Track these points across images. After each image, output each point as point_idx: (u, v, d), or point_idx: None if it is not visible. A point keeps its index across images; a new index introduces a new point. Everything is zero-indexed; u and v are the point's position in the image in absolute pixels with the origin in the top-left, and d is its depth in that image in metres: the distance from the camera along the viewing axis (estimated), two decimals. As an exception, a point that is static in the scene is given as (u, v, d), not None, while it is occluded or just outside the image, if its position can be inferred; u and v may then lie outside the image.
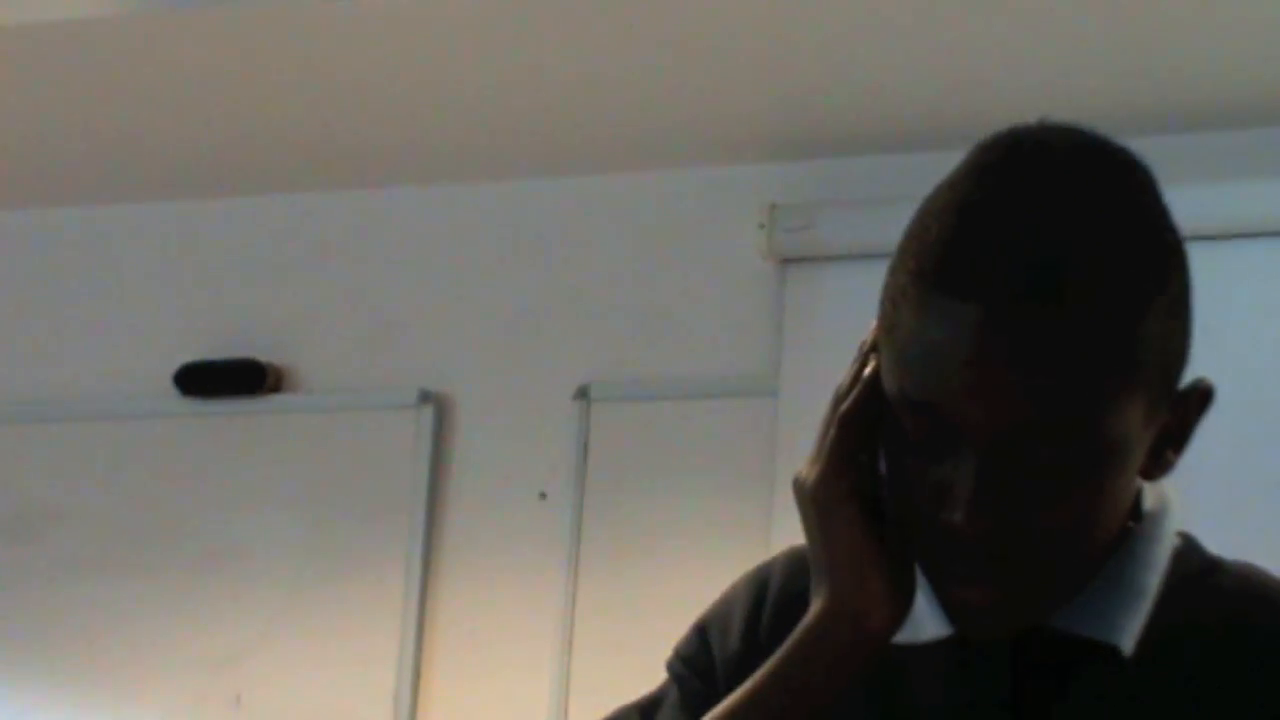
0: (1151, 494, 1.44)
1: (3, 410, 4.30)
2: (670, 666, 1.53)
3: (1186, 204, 3.89)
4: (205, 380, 4.17)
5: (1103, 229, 1.28)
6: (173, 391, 4.19)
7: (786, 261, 3.74)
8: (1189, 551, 1.46)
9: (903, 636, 1.37)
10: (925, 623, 1.39)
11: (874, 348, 1.35)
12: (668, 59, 3.57)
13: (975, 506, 1.27)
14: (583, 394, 3.90)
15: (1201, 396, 1.38)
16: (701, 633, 1.52)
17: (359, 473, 4.04)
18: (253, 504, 4.09)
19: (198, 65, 3.71)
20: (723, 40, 3.48)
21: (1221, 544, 3.63)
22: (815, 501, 1.35)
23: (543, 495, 3.91)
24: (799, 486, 1.37)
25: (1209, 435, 3.56)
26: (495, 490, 3.96)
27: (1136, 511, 1.42)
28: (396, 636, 3.90)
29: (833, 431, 1.36)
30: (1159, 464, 1.36)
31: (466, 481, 4.00)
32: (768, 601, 1.49)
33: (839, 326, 3.65)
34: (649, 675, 1.56)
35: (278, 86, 3.78)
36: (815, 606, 1.36)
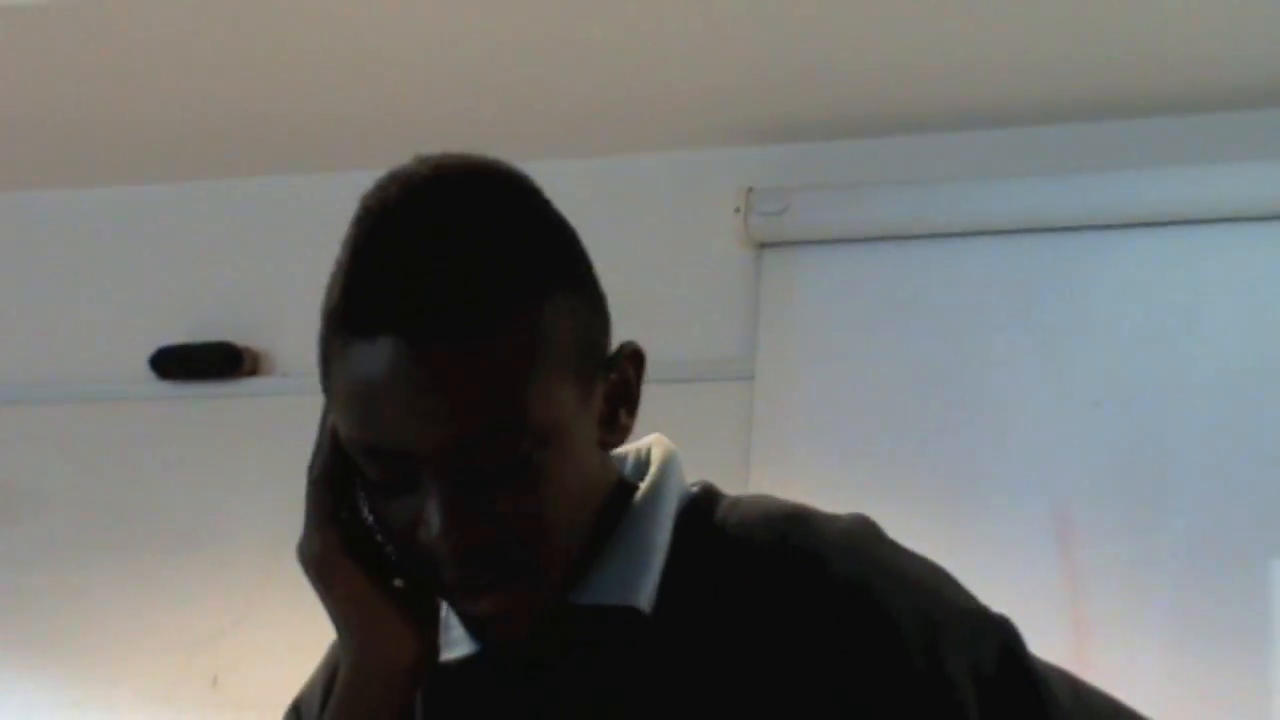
0: (654, 454, 1.53)
1: (-22, 393, 4.30)
2: None
3: (1165, 187, 3.93)
4: (181, 363, 4.16)
5: (473, 238, 1.37)
6: (148, 374, 4.18)
7: (763, 246, 3.74)
8: (702, 498, 1.51)
9: (446, 656, 1.47)
10: (459, 640, 1.48)
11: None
12: (643, 43, 3.56)
13: (444, 524, 1.35)
14: (559, 376, 3.89)
15: (632, 357, 1.46)
16: (295, 711, 1.73)
17: (335, 456, 4.03)
18: (229, 487, 4.08)
19: (173, 47, 3.69)
20: (699, 24, 3.48)
21: (1199, 528, 3.64)
22: (311, 568, 1.47)
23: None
24: (299, 555, 1.48)
25: (1187, 417, 3.55)
26: (472, 474, 3.95)
27: (639, 476, 1.51)
28: (373, 620, 3.89)
29: (309, 498, 1.47)
30: (614, 428, 1.45)
31: (443, 465, 3.99)
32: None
33: (815, 311, 3.67)
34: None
35: (255, 69, 3.77)
36: (343, 664, 1.47)
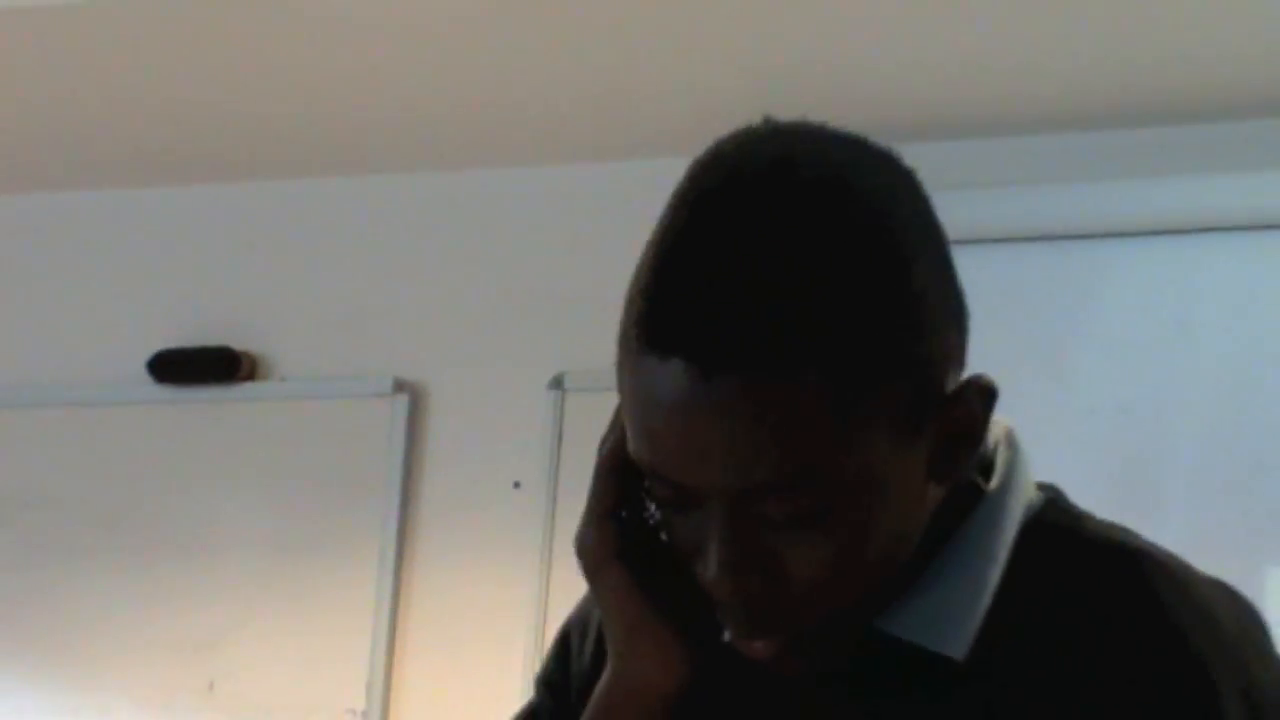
0: (1000, 455, 1.33)
1: (-24, 397, 4.30)
2: (535, 681, 1.52)
3: (1162, 197, 3.93)
4: (179, 368, 4.16)
5: (797, 261, 1.17)
6: (146, 379, 4.18)
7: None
8: (1047, 515, 1.33)
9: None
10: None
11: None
12: (638, 49, 3.57)
13: (721, 568, 1.21)
14: (557, 383, 3.90)
15: (980, 393, 1.27)
16: (564, 640, 1.50)
17: (333, 461, 4.03)
18: (227, 492, 4.08)
19: (172, 51, 3.70)
20: (692, 31, 3.48)
21: (1193, 535, 3.65)
22: (583, 564, 1.32)
23: (517, 484, 3.91)
24: (575, 545, 1.32)
25: (1183, 425, 3.56)
26: (469, 479, 3.96)
27: (978, 487, 1.31)
28: (370, 624, 3.90)
29: (592, 486, 1.32)
30: (949, 467, 1.25)
31: (440, 470, 4.00)
32: None
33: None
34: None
35: (253, 74, 3.77)
36: (605, 673, 1.33)
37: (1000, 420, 1.33)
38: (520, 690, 3.75)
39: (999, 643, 1.24)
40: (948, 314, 1.27)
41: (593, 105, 3.81)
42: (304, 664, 3.94)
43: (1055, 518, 1.32)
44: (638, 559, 1.30)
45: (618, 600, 1.30)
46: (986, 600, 1.25)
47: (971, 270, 3.95)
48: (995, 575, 1.27)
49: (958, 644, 1.24)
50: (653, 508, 1.29)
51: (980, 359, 3.53)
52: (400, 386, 4.02)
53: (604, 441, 1.31)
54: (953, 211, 4.25)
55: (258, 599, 4.00)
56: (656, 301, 1.19)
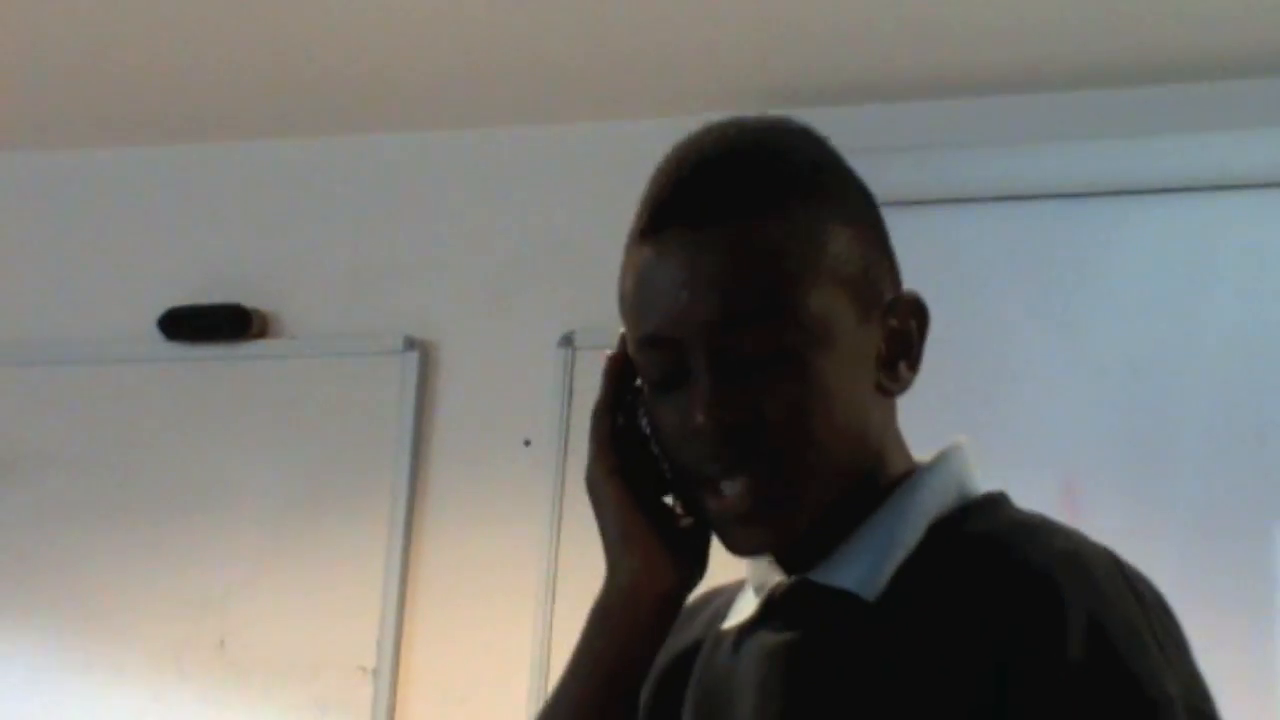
0: (935, 456, 1.53)
1: (-13, 354, 4.30)
2: None
3: (1175, 155, 3.91)
4: (190, 325, 4.17)
5: (768, 155, 1.48)
6: (158, 336, 4.18)
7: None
8: (975, 505, 1.51)
9: (727, 624, 1.55)
10: (743, 610, 1.54)
11: (622, 342, 1.53)
12: (652, 8, 3.56)
13: (709, 401, 1.42)
14: (567, 341, 3.90)
15: (912, 306, 1.51)
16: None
17: (344, 419, 4.04)
18: (237, 449, 4.09)
19: (184, 8, 3.69)
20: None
21: (1203, 493, 3.64)
22: (588, 487, 1.54)
23: (527, 442, 3.91)
24: (585, 479, 1.54)
25: (1194, 385, 3.53)
26: (480, 437, 3.96)
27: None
28: (380, 582, 3.91)
29: (591, 423, 1.55)
30: (893, 376, 1.49)
31: (451, 428, 4.00)
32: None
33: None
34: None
35: (264, 31, 3.77)
36: (603, 585, 1.52)
37: (958, 436, 1.56)
38: (530, 646, 3.76)
39: (904, 593, 1.43)
40: (885, 246, 1.52)
41: (603, 63, 3.80)
42: (315, 621, 3.95)
43: (984, 506, 1.52)
44: (635, 480, 1.51)
45: (617, 513, 1.51)
46: (899, 556, 1.45)
47: (982, 229, 3.94)
48: (909, 538, 1.46)
49: (871, 588, 1.44)
50: (644, 424, 1.51)
51: (992, 318, 3.54)
52: (411, 344, 4.02)
53: (597, 405, 1.56)
54: (962, 170, 4.25)
55: (269, 556, 4.01)
56: (656, 197, 1.47)
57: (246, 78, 3.97)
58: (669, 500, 1.53)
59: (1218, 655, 3.50)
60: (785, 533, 1.46)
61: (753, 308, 1.42)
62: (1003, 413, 3.52)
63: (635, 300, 1.47)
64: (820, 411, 1.43)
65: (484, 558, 3.89)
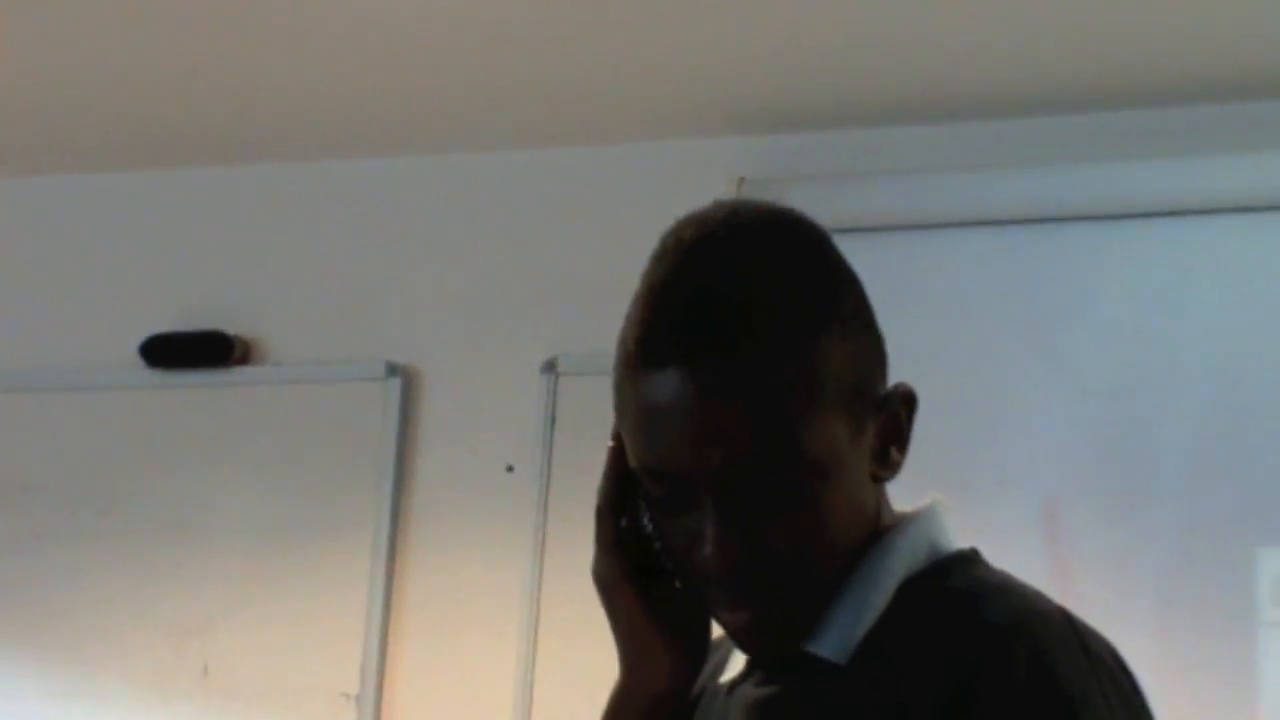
0: (907, 516, 1.58)
1: (-32, 381, 4.29)
2: None
3: (1154, 179, 3.93)
4: (172, 352, 4.16)
5: (756, 282, 1.49)
6: (139, 363, 4.18)
7: (754, 235, 3.73)
8: (949, 563, 1.56)
9: (725, 677, 1.60)
10: (736, 665, 1.59)
11: (618, 437, 1.56)
12: (636, 31, 3.57)
13: (718, 540, 1.47)
14: (550, 367, 3.90)
15: (903, 398, 1.55)
16: None
17: (326, 445, 4.03)
18: (220, 475, 4.08)
19: (165, 34, 3.69)
20: (692, 13, 3.48)
21: (1186, 517, 3.64)
22: (597, 586, 1.61)
23: (510, 468, 3.91)
24: (593, 577, 1.61)
25: (1175, 407, 3.54)
26: (462, 463, 3.96)
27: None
28: (364, 608, 3.91)
29: (597, 522, 1.60)
30: (886, 464, 1.55)
31: (434, 454, 4.00)
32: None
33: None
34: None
35: (247, 57, 3.77)
36: (616, 683, 1.61)
37: (935, 494, 1.61)
38: (513, 673, 3.76)
39: (872, 653, 1.50)
40: (873, 336, 1.55)
41: (589, 88, 3.81)
42: (298, 648, 3.94)
43: (958, 563, 1.56)
44: (642, 583, 1.59)
45: (628, 614, 1.60)
46: (869, 619, 1.51)
47: (964, 253, 3.96)
48: (878, 600, 1.52)
49: (843, 652, 1.50)
50: (648, 521, 1.57)
51: (974, 342, 3.55)
52: (393, 370, 4.02)
53: (600, 490, 1.60)
54: (946, 194, 4.26)
55: (251, 583, 4.01)
56: (651, 326, 1.49)
57: (228, 104, 3.98)
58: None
59: (1199, 674, 3.52)
60: (789, 642, 1.53)
61: (756, 456, 1.45)
62: (984, 436, 3.53)
63: (637, 430, 1.51)
64: (825, 538, 1.50)
65: (467, 583, 3.89)
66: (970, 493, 3.45)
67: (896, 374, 1.58)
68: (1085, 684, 1.43)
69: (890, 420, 1.54)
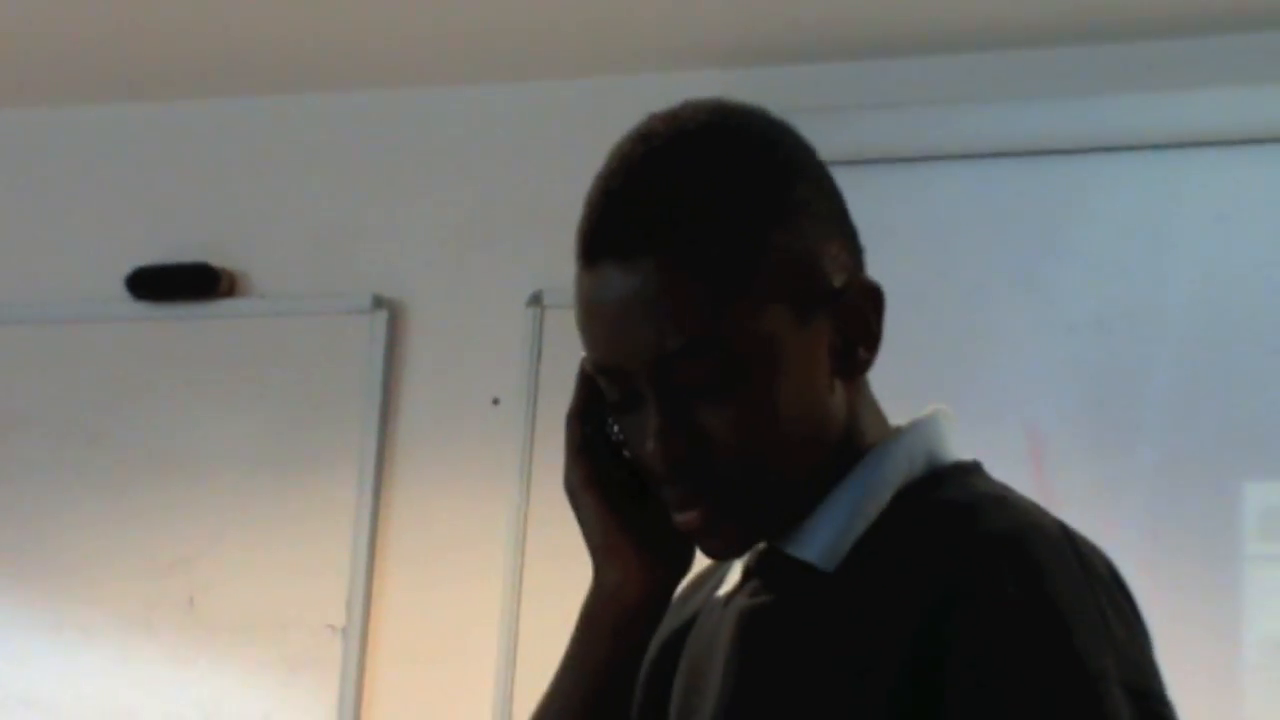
0: (904, 427, 1.56)
1: (-47, 314, 4.29)
2: None
3: (1140, 112, 3.91)
4: (157, 284, 4.16)
5: (687, 175, 1.47)
6: (124, 295, 4.17)
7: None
8: (948, 473, 1.54)
9: (720, 591, 1.58)
10: (733, 577, 1.58)
11: None
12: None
13: (660, 435, 1.47)
14: (536, 300, 3.90)
15: (863, 290, 1.51)
16: None
17: (312, 378, 4.04)
18: (205, 408, 4.08)
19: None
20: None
21: (1171, 451, 3.64)
22: (567, 495, 1.59)
23: (496, 401, 3.92)
24: (564, 485, 1.60)
25: (1160, 341, 3.55)
26: (448, 396, 3.97)
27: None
28: (349, 540, 3.91)
29: (565, 431, 1.60)
30: (851, 362, 1.51)
31: (420, 387, 4.00)
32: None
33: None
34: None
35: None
36: (590, 586, 1.58)
37: (937, 404, 1.59)
38: (499, 604, 3.77)
39: (862, 562, 1.48)
40: (831, 226, 1.52)
41: (572, 21, 3.79)
42: (284, 579, 3.95)
43: (955, 474, 1.54)
44: (611, 489, 1.57)
45: (595, 520, 1.57)
46: (860, 527, 1.49)
47: (949, 187, 3.96)
48: (871, 508, 1.50)
49: (831, 559, 1.49)
50: (614, 427, 1.55)
51: (958, 276, 3.56)
52: (379, 303, 4.02)
53: (569, 412, 1.60)
54: (930, 128, 4.26)
55: (237, 515, 4.01)
56: (585, 227, 1.50)
57: (213, 35, 3.96)
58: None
59: (1184, 610, 3.53)
60: (745, 543, 1.52)
61: (688, 342, 1.45)
62: (969, 369, 3.53)
63: (583, 328, 1.51)
64: (768, 427, 1.47)
65: (453, 516, 3.89)
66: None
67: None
68: (1079, 598, 1.41)
69: (851, 313, 1.50)
